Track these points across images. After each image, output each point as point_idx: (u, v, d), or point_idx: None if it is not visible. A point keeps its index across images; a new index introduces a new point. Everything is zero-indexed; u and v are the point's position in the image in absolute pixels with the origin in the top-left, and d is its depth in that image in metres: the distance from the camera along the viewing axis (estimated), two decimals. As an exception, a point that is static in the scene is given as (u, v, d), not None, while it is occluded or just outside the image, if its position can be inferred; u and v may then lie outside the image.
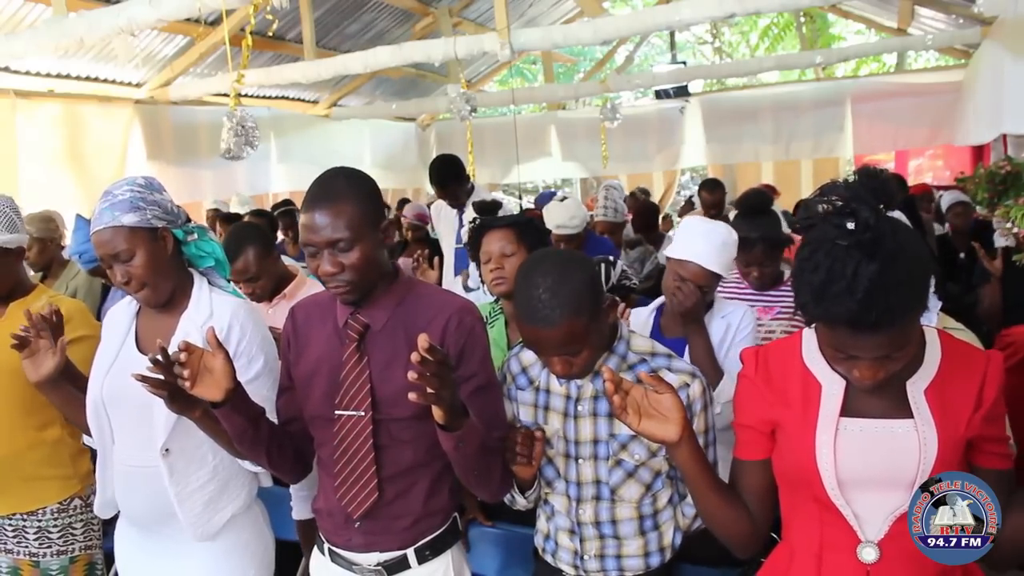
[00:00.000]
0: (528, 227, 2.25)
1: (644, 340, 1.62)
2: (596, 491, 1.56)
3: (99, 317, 1.85)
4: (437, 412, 1.29)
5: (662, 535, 1.59)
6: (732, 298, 2.47)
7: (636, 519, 1.57)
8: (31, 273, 3.58)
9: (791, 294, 1.18)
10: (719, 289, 2.24)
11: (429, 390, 1.23)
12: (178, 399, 1.47)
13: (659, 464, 1.55)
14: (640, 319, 2.21)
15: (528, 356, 1.66)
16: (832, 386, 1.25)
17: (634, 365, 1.55)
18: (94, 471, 1.83)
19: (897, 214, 1.22)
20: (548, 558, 1.65)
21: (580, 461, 1.56)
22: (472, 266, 3.48)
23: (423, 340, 1.21)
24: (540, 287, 1.42)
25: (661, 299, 2.22)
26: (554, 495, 1.61)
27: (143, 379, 1.42)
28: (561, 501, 1.60)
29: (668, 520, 1.59)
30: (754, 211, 2.66)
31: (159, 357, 1.41)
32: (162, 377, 1.42)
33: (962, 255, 4.63)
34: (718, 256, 2.06)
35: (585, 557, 1.59)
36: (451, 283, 4.05)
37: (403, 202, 7.10)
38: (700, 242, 2.06)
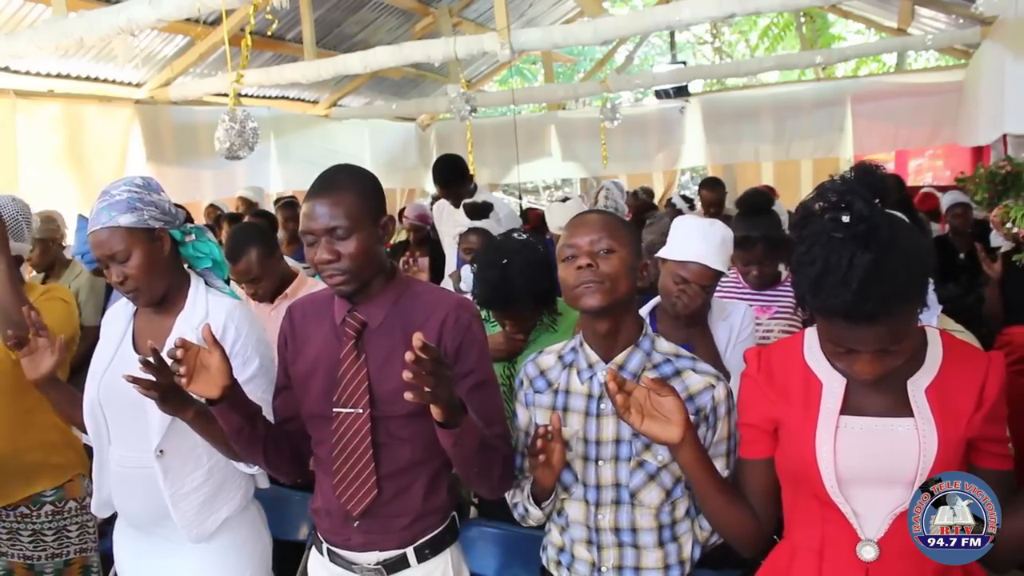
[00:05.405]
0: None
1: (667, 343, 1.56)
2: (616, 495, 1.49)
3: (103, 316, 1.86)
4: (435, 410, 1.28)
5: (681, 547, 1.51)
6: (730, 297, 2.46)
7: (655, 529, 1.49)
8: (32, 274, 3.58)
9: (789, 293, 1.18)
10: (718, 290, 2.21)
11: (425, 389, 1.23)
12: (170, 400, 1.47)
13: (679, 469, 1.48)
14: None
15: (546, 360, 1.60)
16: (833, 384, 1.25)
17: (658, 364, 1.50)
18: (90, 461, 1.82)
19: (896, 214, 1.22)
20: (563, 573, 1.57)
21: (600, 463, 1.50)
22: (465, 268, 3.47)
23: (416, 339, 1.20)
24: None
25: (654, 300, 2.18)
26: (571, 501, 1.54)
27: (134, 380, 1.42)
28: (579, 507, 1.53)
29: (686, 532, 1.52)
30: (754, 211, 2.66)
31: (150, 359, 1.41)
32: (153, 378, 1.42)
33: (962, 256, 4.62)
34: (719, 254, 2.02)
35: (603, 569, 1.50)
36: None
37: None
38: (700, 242, 2.02)
